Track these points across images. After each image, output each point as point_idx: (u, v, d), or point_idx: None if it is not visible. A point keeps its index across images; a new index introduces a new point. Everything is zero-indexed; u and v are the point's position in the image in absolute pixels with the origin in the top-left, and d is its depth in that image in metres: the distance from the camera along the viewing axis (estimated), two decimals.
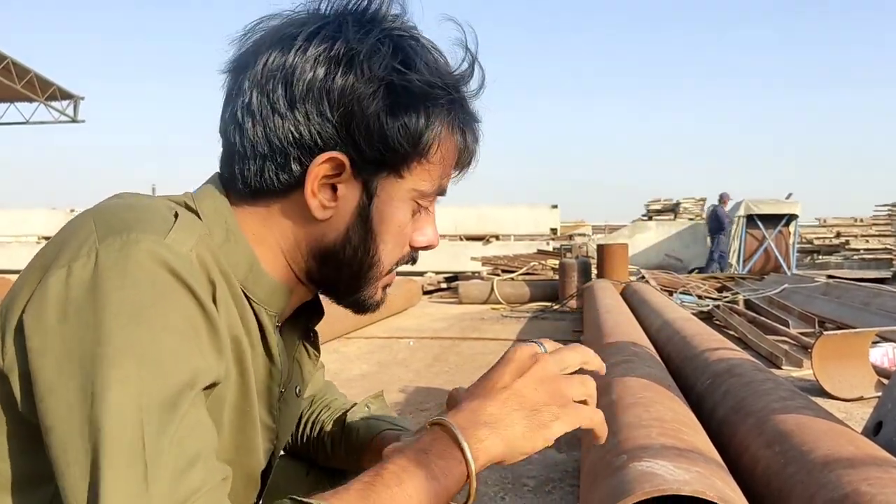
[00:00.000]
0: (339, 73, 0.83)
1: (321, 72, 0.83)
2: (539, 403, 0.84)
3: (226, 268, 0.84)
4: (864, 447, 1.67)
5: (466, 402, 0.84)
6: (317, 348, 1.10)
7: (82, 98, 22.72)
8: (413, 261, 0.98)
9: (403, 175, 0.88)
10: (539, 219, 17.70)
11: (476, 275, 11.90)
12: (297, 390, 1.05)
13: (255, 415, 0.88)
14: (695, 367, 3.03)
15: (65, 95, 22.18)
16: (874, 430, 2.18)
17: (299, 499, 0.70)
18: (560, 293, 9.20)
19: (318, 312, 1.07)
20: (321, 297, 1.05)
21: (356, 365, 5.04)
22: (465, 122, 0.92)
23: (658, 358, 3.22)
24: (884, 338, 4.76)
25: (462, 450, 0.79)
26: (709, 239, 16.20)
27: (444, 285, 11.52)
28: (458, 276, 11.92)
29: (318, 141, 0.84)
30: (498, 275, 11.04)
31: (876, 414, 2.24)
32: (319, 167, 0.85)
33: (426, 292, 10.95)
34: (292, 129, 0.83)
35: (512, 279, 10.50)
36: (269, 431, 0.94)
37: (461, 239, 17.02)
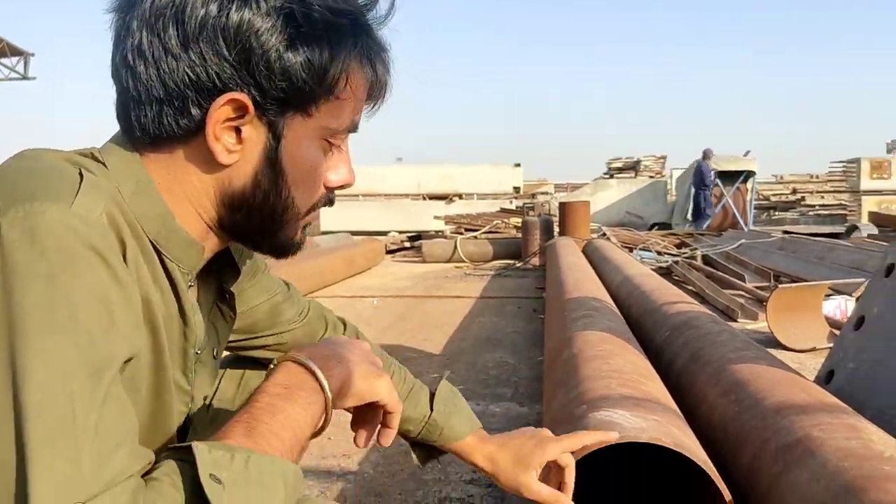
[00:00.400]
0: (234, 8, 0.78)
1: (214, 7, 0.78)
2: (369, 362, 0.95)
3: (136, 224, 0.80)
4: (816, 394, 1.72)
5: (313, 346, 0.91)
6: (233, 309, 1.04)
7: (32, 54, 21.97)
8: (330, 202, 0.95)
9: (311, 113, 0.84)
10: (502, 178, 17.69)
11: (439, 234, 11.90)
12: (214, 352, 1.01)
13: (168, 377, 0.86)
14: (654, 320, 3.08)
15: (14, 52, 21.41)
16: (826, 378, 2.25)
17: (180, 445, 0.71)
18: (523, 251, 9.25)
19: (234, 272, 1.02)
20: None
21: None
22: (373, 52, 0.87)
23: (618, 312, 3.26)
24: (837, 290, 4.88)
25: (318, 379, 0.85)
26: (692, 193, 16.31)
27: (407, 244, 11.51)
28: (421, 236, 11.90)
29: (217, 82, 0.79)
30: (461, 233, 11.06)
31: (828, 363, 2.31)
32: (220, 110, 0.80)
33: (389, 251, 10.93)
34: (188, 70, 0.79)
35: (475, 237, 10.53)
36: (184, 394, 0.91)
37: (424, 198, 16.95)
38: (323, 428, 0.87)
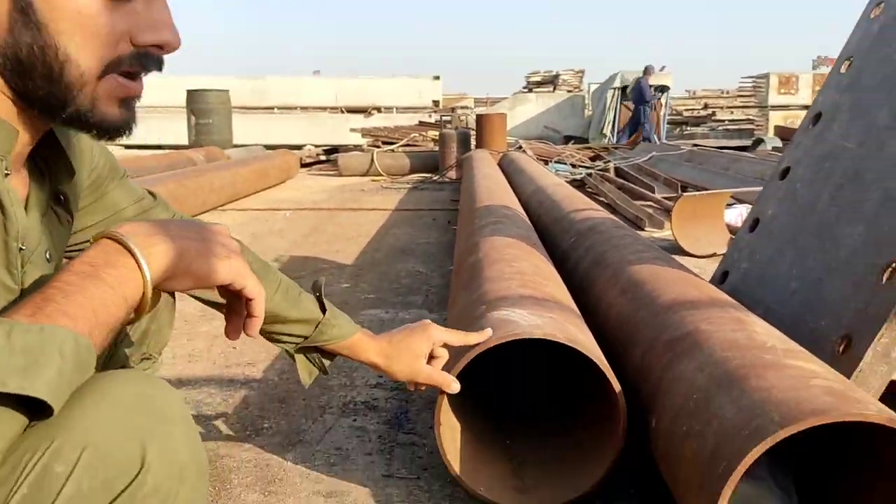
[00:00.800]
0: None
1: None
2: (218, 243, 0.86)
3: None
4: (708, 292, 1.77)
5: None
6: (69, 212, 0.96)
7: None
8: (157, 64, 0.84)
9: None
10: (422, 90, 17.38)
11: (357, 148, 11.68)
12: (48, 254, 0.92)
13: None
14: (561, 227, 3.11)
15: None
16: (720, 279, 2.32)
17: None
18: (440, 164, 9.20)
19: (69, 173, 0.94)
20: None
21: None
22: None
23: (528, 221, 3.28)
24: (738, 199, 5.05)
25: (133, 255, 0.77)
26: (633, 109, 16.34)
27: (323, 157, 11.28)
28: (338, 149, 11.66)
29: None
30: (378, 146, 10.89)
31: (723, 265, 2.38)
32: None
33: (304, 165, 10.69)
34: None
35: (392, 151, 10.39)
36: (9, 292, 0.83)
37: (342, 111, 16.53)
38: (143, 309, 0.79)
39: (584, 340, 1.47)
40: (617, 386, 1.42)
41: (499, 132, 9.00)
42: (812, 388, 1.13)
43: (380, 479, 1.65)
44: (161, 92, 15.03)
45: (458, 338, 1.45)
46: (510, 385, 1.95)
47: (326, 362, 1.45)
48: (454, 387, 1.43)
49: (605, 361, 1.45)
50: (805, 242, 1.99)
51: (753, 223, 2.31)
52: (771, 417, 1.08)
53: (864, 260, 1.72)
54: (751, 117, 20.30)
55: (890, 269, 1.63)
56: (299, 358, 1.43)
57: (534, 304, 1.63)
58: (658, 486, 1.56)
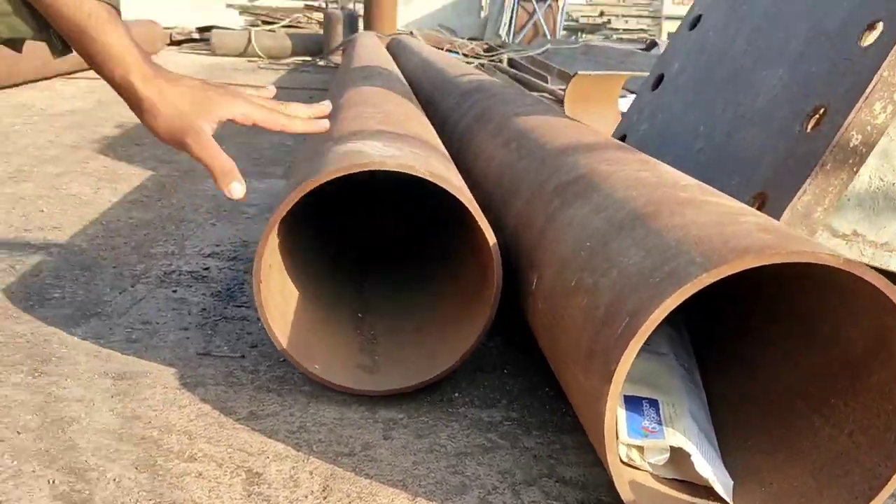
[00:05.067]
0: None
1: None
2: None
3: None
4: (607, 138, 1.47)
5: None
6: None
7: None
8: None
9: None
10: None
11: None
12: None
13: None
14: (444, 91, 2.75)
15: None
16: None
17: None
18: (325, 47, 8.54)
19: None
20: None
21: (70, 102, 4.26)
22: None
23: (407, 84, 2.89)
24: (632, 92, 4.82)
25: None
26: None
27: (196, 36, 10.30)
28: (213, 28, 10.68)
29: None
30: (257, 26, 10.02)
31: (620, 128, 2.10)
32: None
33: (174, 43, 9.74)
34: None
35: (272, 31, 9.58)
36: None
37: None
38: None
39: (448, 176, 1.14)
40: (491, 237, 1.11)
41: (388, 14, 8.40)
42: (742, 223, 0.85)
43: (193, 357, 1.30)
44: None
45: (272, 119, 1.02)
46: (362, 236, 1.63)
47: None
48: (235, 189, 0.99)
49: (475, 202, 1.13)
50: (715, 95, 1.72)
51: (657, 81, 2.02)
52: (691, 258, 0.79)
53: (785, 107, 1.46)
54: (644, 27, 20.28)
55: (817, 115, 1.38)
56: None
57: (393, 138, 1.28)
58: (536, 359, 1.29)
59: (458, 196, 1.09)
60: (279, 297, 1.24)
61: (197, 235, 1.97)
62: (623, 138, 2.03)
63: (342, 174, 1.06)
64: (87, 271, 1.67)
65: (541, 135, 1.51)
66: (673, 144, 1.78)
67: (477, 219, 1.10)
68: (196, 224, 2.08)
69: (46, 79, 5.12)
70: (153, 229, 2.01)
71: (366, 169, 1.06)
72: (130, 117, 3.82)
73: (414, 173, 1.06)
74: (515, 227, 1.24)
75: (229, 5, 11.02)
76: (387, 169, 1.06)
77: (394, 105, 1.73)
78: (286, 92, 5.53)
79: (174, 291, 1.59)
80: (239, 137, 3.48)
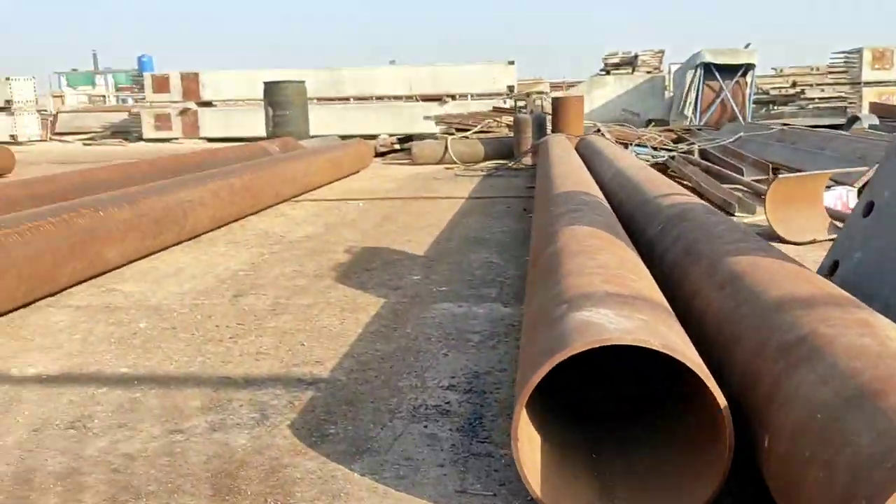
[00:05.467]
0: None
1: None
2: None
3: None
4: (822, 286, 1.55)
5: None
6: None
7: None
8: None
9: None
10: (496, 76, 17.11)
11: (431, 136, 11.55)
12: None
13: None
14: (646, 213, 2.90)
15: None
16: (830, 270, 2.08)
17: None
18: (515, 150, 8.98)
19: None
20: None
21: (302, 228, 4.85)
22: None
23: (608, 207, 3.08)
24: (838, 181, 4.69)
25: None
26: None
27: (397, 147, 11.19)
28: (412, 138, 11.57)
29: None
30: (452, 134, 10.73)
31: (832, 254, 2.14)
32: None
33: (379, 154, 10.62)
34: None
35: (466, 138, 10.22)
36: None
37: (416, 100, 16.44)
38: None
39: (680, 346, 1.29)
40: (722, 401, 1.24)
41: (575, 116, 8.72)
42: None
43: (453, 495, 1.52)
44: (240, 85, 15.35)
45: None
46: (595, 391, 1.79)
47: None
48: None
49: (706, 370, 1.26)
50: None
51: (868, 207, 2.06)
52: None
53: None
54: (843, 94, 19.23)
55: None
56: None
57: (621, 302, 1.45)
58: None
59: (697, 373, 1.23)
60: (527, 445, 1.43)
61: (434, 367, 2.23)
62: (835, 264, 2.07)
63: (583, 349, 1.25)
64: (351, 406, 1.97)
65: (755, 281, 1.62)
66: (890, 277, 1.80)
67: (711, 388, 1.23)
68: (431, 354, 2.35)
69: (277, 203, 5.82)
70: (396, 361, 2.29)
71: (606, 344, 1.24)
72: (358, 241, 4.27)
73: (651, 347, 1.23)
74: (740, 381, 1.35)
75: (426, 117, 11.87)
76: (625, 344, 1.24)
77: (611, 254, 1.90)
78: (484, 201, 5.91)
79: (425, 426, 1.84)
80: (449, 257, 3.81)
